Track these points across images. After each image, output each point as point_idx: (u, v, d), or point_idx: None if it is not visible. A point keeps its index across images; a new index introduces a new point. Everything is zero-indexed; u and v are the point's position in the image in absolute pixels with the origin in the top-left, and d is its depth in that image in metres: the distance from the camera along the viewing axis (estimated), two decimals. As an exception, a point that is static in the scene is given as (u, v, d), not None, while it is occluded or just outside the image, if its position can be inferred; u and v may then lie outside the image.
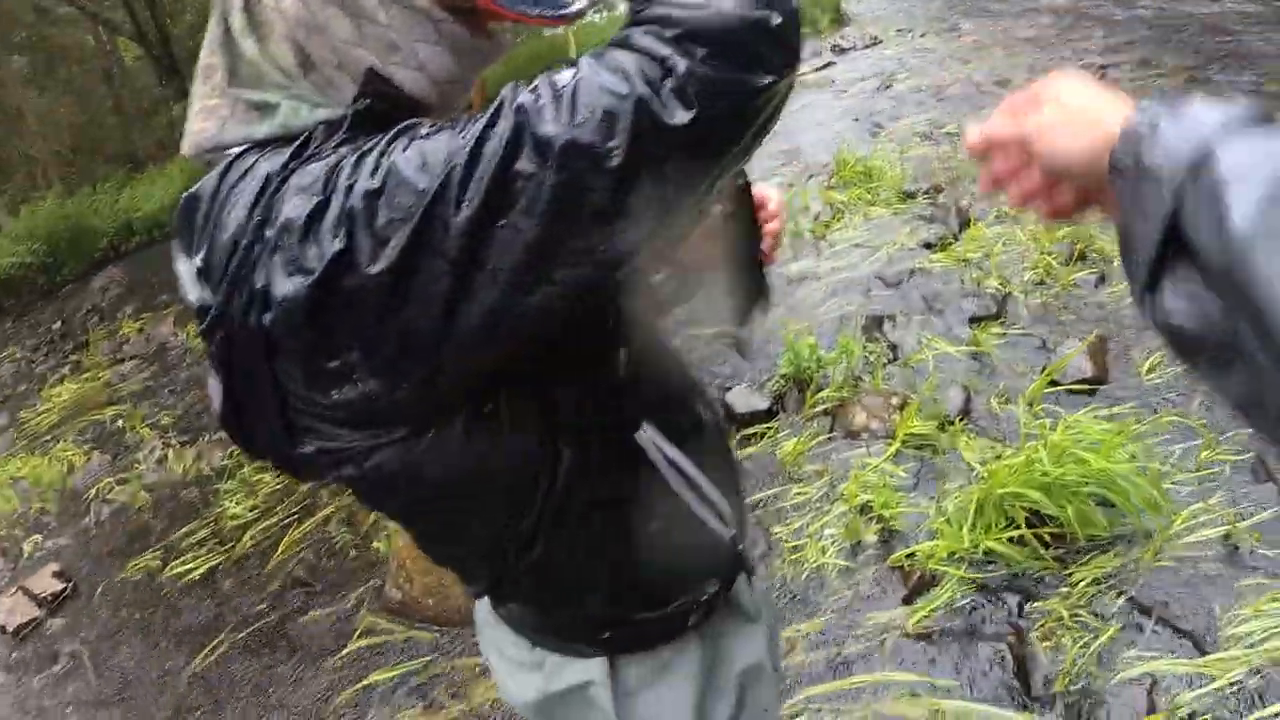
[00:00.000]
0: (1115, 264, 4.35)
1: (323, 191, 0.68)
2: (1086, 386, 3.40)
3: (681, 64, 0.65)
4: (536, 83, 0.68)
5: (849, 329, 4.05)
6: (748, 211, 1.08)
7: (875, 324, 4.11)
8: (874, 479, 3.06)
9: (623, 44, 0.68)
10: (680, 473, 0.97)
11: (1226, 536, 2.63)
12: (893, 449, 3.24)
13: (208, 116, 0.81)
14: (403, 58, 0.78)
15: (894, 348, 3.94)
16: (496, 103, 0.68)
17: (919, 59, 11.05)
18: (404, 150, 0.68)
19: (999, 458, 2.93)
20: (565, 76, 0.67)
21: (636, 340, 0.92)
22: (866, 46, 13.10)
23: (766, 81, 0.68)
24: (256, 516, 4.28)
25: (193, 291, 0.78)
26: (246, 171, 0.75)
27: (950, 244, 4.86)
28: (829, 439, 3.41)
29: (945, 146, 7.06)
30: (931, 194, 5.61)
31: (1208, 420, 3.16)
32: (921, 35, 13.05)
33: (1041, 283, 4.29)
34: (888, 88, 9.88)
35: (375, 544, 3.69)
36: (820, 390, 3.66)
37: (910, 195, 5.70)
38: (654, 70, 0.65)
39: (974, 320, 4.05)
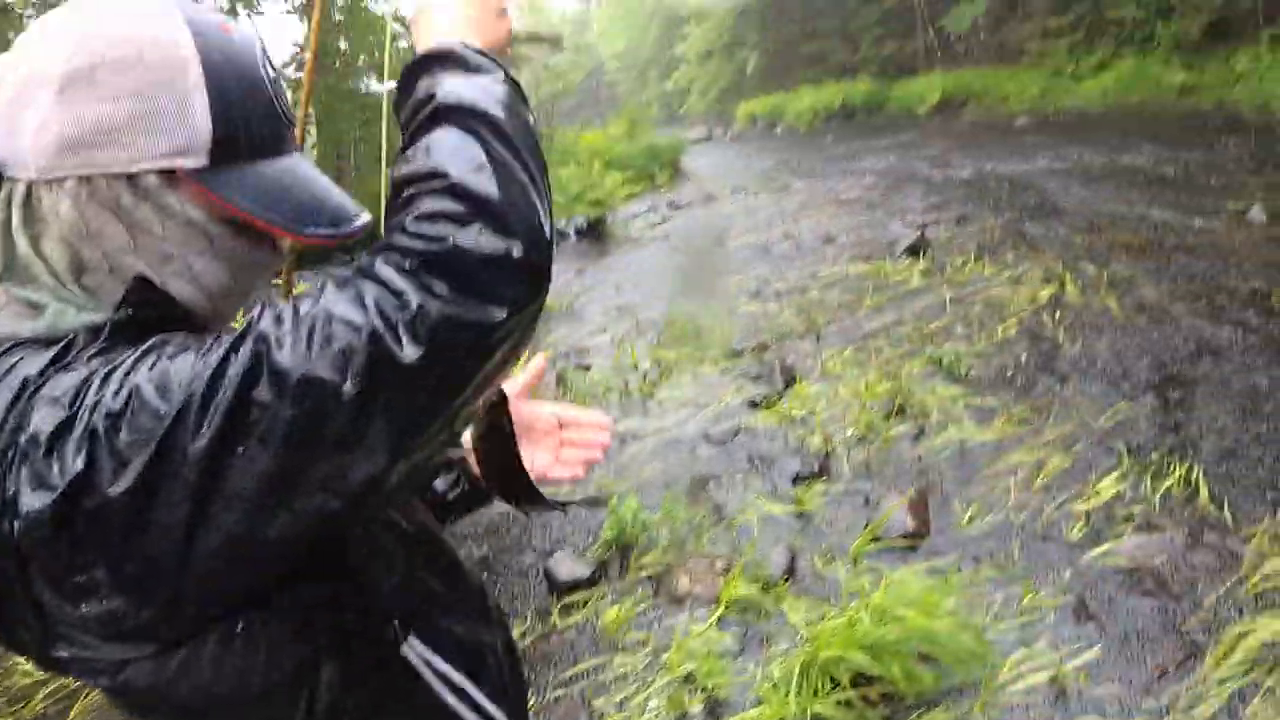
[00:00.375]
0: (933, 418, 4.62)
1: (69, 406, 0.69)
2: (909, 541, 3.52)
3: (415, 299, 0.67)
4: (281, 309, 0.69)
5: (674, 490, 4.08)
6: (499, 433, 1.10)
7: (700, 485, 4.16)
8: (698, 646, 3.01)
9: (365, 272, 0.70)
10: (453, 688, 0.96)
11: (1053, 679, 2.72)
12: (717, 614, 3.21)
13: None
14: (176, 268, 0.82)
15: (719, 509, 3.97)
16: (244, 326, 0.69)
17: (751, 217, 11.81)
18: (149, 370, 0.68)
19: (824, 618, 2.95)
20: (307, 304, 0.69)
21: (399, 557, 0.93)
22: (702, 203, 13.94)
23: (502, 317, 0.70)
24: (50, 675, 3.79)
25: None
26: (9, 370, 0.75)
27: (775, 402, 5.04)
28: (653, 605, 3.36)
29: (772, 304, 7.46)
30: (758, 351, 5.85)
31: (1026, 566, 3.32)
32: (754, 194, 14.00)
33: (863, 438, 4.48)
34: (720, 245, 10.47)
35: None
36: (644, 555, 3.63)
37: (738, 353, 5.93)
38: (390, 303, 0.67)
39: (798, 479, 4.16)
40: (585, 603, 3.44)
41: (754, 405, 5.04)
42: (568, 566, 3.61)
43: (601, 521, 3.86)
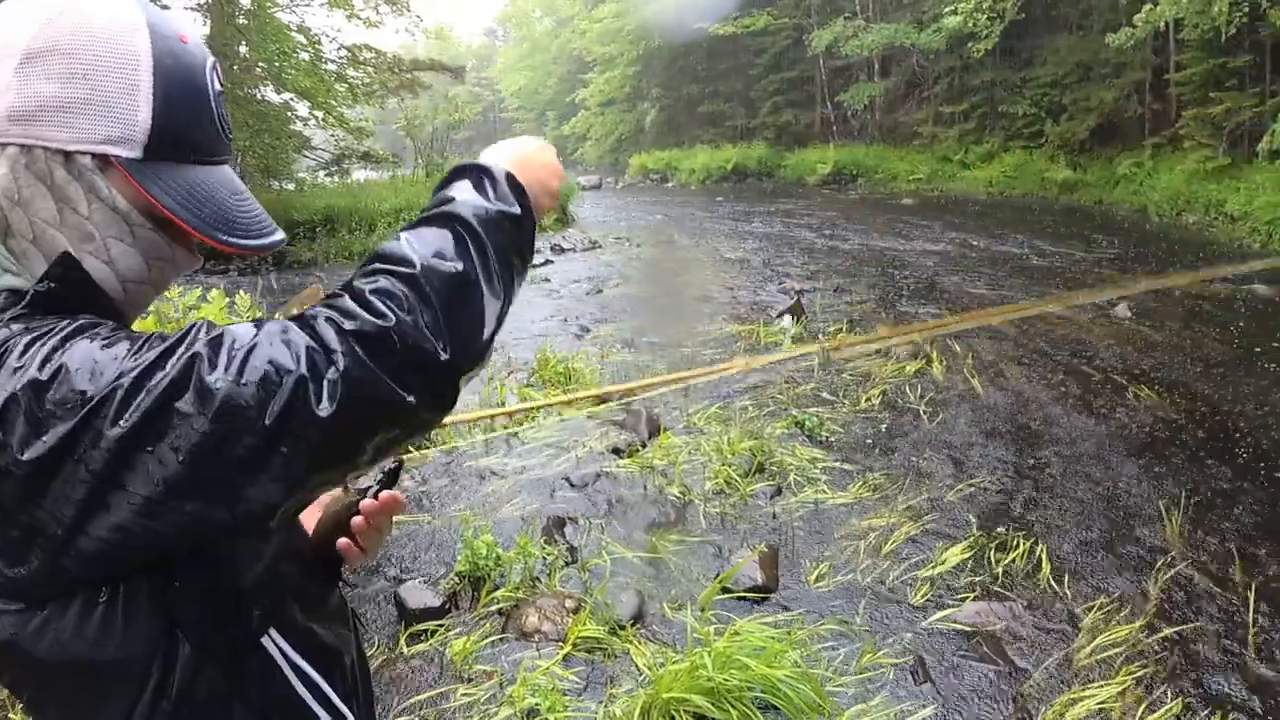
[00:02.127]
0: (791, 477, 4.82)
1: None
2: (757, 594, 3.66)
3: (342, 363, 0.75)
4: (220, 333, 0.77)
5: (530, 529, 4.12)
6: (348, 511, 1.19)
7: (557, 525, 4.21)
8: (543, 682, 3.04)
9: (306, 323, 0.78)
10: (307, 683, 1.03)
11: None
12: (564, 651, 3.25)
13: None
14: (95, 248, 0.89)
15: (573, 550, 4.03)
16: (182, 333, 0.77)
17: (633, 268, 12.05)
18: (81, 349, 0.75)
19: (667, 662, 3.04)
20: (246, 335, 0.76)
21: (264, 550, 1.00)
22: (585, 250, 14.13)
23: (412, 403, 0.78)
24: None
25: None
26: None
27: (638, 451, 5.16)
28: (501, 639, 3.37)
29: (645, 354, 7.63)
30: (625, 399, 5.97)
31: (869, 625, 3.50)
32: (638, 245, 14.30)
33: (721, 492, 4.64)
34: (599, 292, 10.63)
35: None
36: (496, 589, 3.65)
37: (605, 399, 6.03)
38: (320, 358, 0.75)
39: (654, 526, 4.27)
40: (433, 632, 3.42)
41: (617, 452, 5.14)
42: (418, 595, 3.60)
43: (455, 553, 3.87)
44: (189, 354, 0.74)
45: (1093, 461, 5.12)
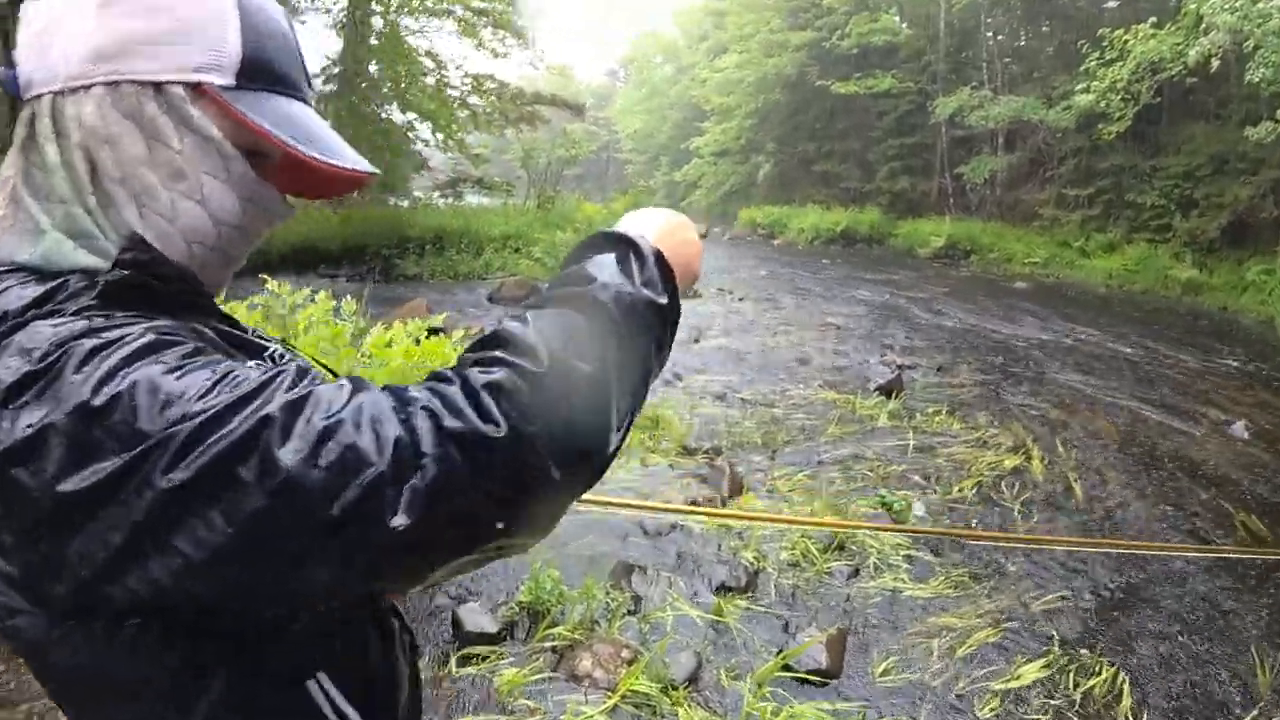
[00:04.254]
0: (871, 560, 4.70)
1: (39, 363, 0.70)
2: (819, 678, 3.55)
3: (431, 470, 0.67)
4: (306, 394, 0.70)
5: (597, 570, 4.10)
6: None
7: (625, 571, 4.18)
8: (587, 732, 3.02)
9: (401, 405, 0.70)
10: None
11: None
12: (611, 702, 3.21)
13: None
14: (187, 187, 0.85)
15: (638, 599, 4.00)
16: (262, 380, 0.70)
17: (731, 321, 12.03)
18: (146, 378, 0.69)
19: (718, 735, 2.97)
20: (332, 403, 0.69)
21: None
22: (686, 298, 14.12)
23: (500, 528, 0.71)
24: None
25: None
26: None
27: (717, 508, 5.11)
28: (551, 678, 3.35)
29: (735, 410, 7.58)
30: (711, 454, 5.93)
31: (932, 733, 3.36)
32: (740, 299, 14.27)
33: (796, 564, 4.55)
34: (696, 341, 10.63)
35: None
36: (554, 626, 3.64)
37: (690, 451, 6.00)
38: (408, 457, 0.67)
39: (722, 589, 4.21)
40: (485, 658, 3.44)
41: (695, 504, 5.10)
42: (475, 618, 3.63)
43: (520, 583, 3.88)
44: (261, 415, 0.66)
45: (1189, 593, 4.86)
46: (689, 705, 3.26)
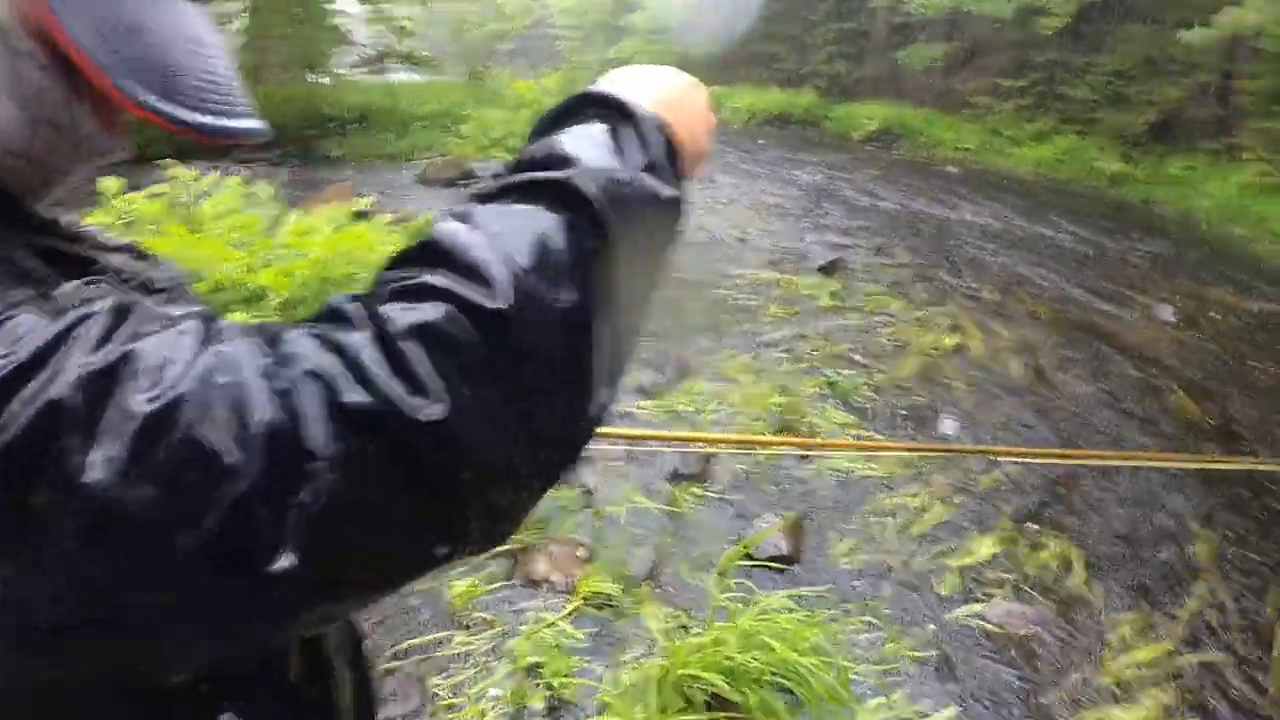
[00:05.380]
0: (821, 441, 4.57)
1: None
2: (779, 564, 3.44)
3: (327, 478, 0.43)
4: (127, 350, 0.45)
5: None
6: None
7: (574, 463, 4.00)
8: (547, 637, 2.84)
9: (276, 367, 0.45)
10: None
11: None
12: (572, 606, 3.05)
13: None
14: None
15: (589, 493, 3.81)
16: (48, 340, 0.45)
17: (666, 204, 11.67)
18: None
19: (683, 628, 2.84)
20: (171, 366, 0.44)
21: None
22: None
23: (438, 553, 0.49)
24: None
25: None
26: None
27: (664, 393, 4.91)
28: (506, 585, 3.17)
29: (677, 292, 7.34)
30: (656, 339, 5.71)
31: (893, 612, 3.28)
32: (673, 182, 13.89)
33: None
34: (630, 225, 10.27)
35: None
36: (504, 527, 3.46)
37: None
38: (289, 459, 0.43)
39: (675, 476, 4.04)
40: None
41: (641, 391, 4.90)
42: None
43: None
44: (45, 401, 0.42)
45: (1131, 470, 4.85)
46: (652, 602, 3.12)
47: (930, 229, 11.09)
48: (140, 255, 0.75)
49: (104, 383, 0.43)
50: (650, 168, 0.56)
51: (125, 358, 0.44)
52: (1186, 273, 9.42)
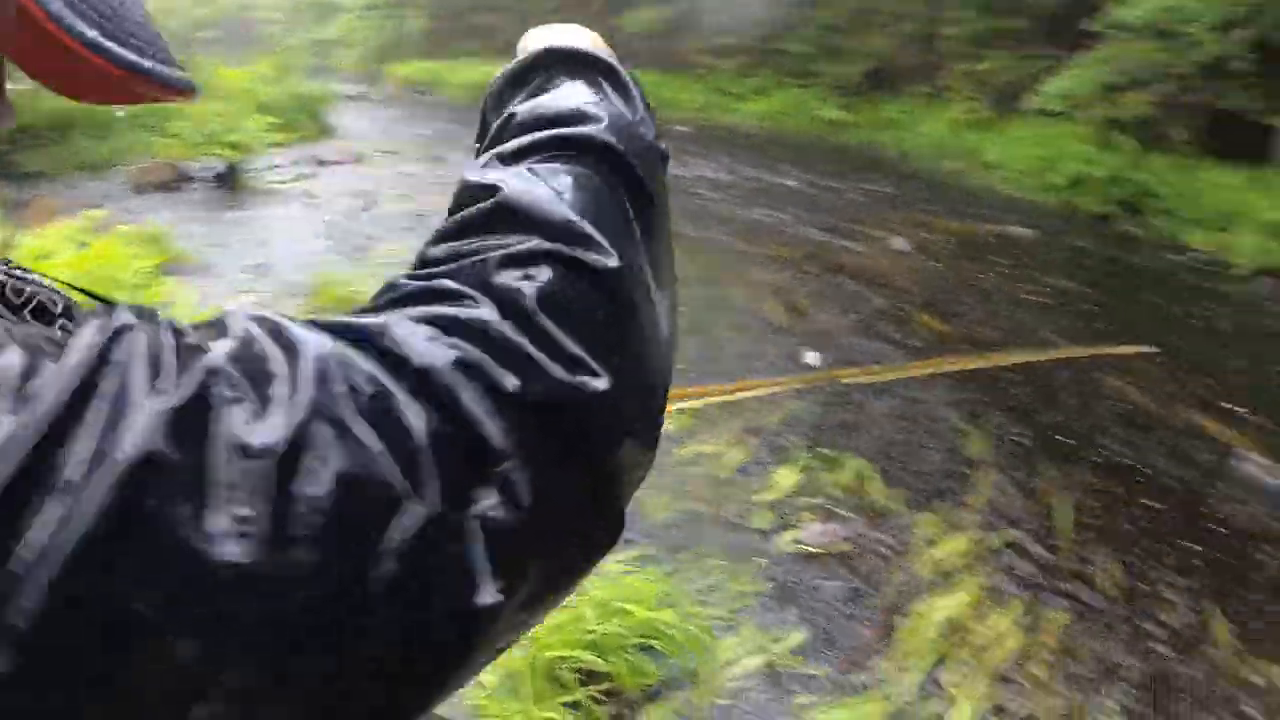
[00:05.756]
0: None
1: None
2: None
3: (524, 486, 0.37)
4: (215, 373, 0.34)
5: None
6: None
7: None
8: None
9: (400, 366, 0.37)
10: None
11: (768, 664, 2.81)
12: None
13: None
14: None
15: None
16: (86, 364, 0.32)
17: (403, 184, 11.27)
18: None
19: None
20: (276, 392, 0.34)
21: None
22: (350, 163, 13.11)
23: (604, 543, 0.45)
24: None
25: None
26: None
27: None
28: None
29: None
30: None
31: (723, 554, 3.37)
32: (407, 161, 13.42)
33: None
34: (369, 209, 9.86)
35: None
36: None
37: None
38: (472, 474, 0.36)
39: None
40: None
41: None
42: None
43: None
44: (124, 464, 0.29)
45: (894, 383, 5.24)
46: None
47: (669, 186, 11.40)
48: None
49: (197, 419, 0.31)
50: (644, 121, 0.55)
51: (211, 378, 0.33)
52: (911, 206, 10.25)
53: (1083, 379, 5.38)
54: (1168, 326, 6.50)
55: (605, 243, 0.43)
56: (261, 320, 0.38)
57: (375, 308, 0.42)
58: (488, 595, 0.35)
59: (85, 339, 0.33)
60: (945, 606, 3.14)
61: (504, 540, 0.36)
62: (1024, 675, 2.86)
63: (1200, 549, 3.62)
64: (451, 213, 0.47)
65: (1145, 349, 5.81)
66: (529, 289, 0.40)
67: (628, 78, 0.57)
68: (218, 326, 0.38)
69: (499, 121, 0.54)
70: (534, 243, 0.42)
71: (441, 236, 0.46)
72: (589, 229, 0.43)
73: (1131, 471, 4.25)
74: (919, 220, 9.45)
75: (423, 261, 0.45)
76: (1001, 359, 5.38)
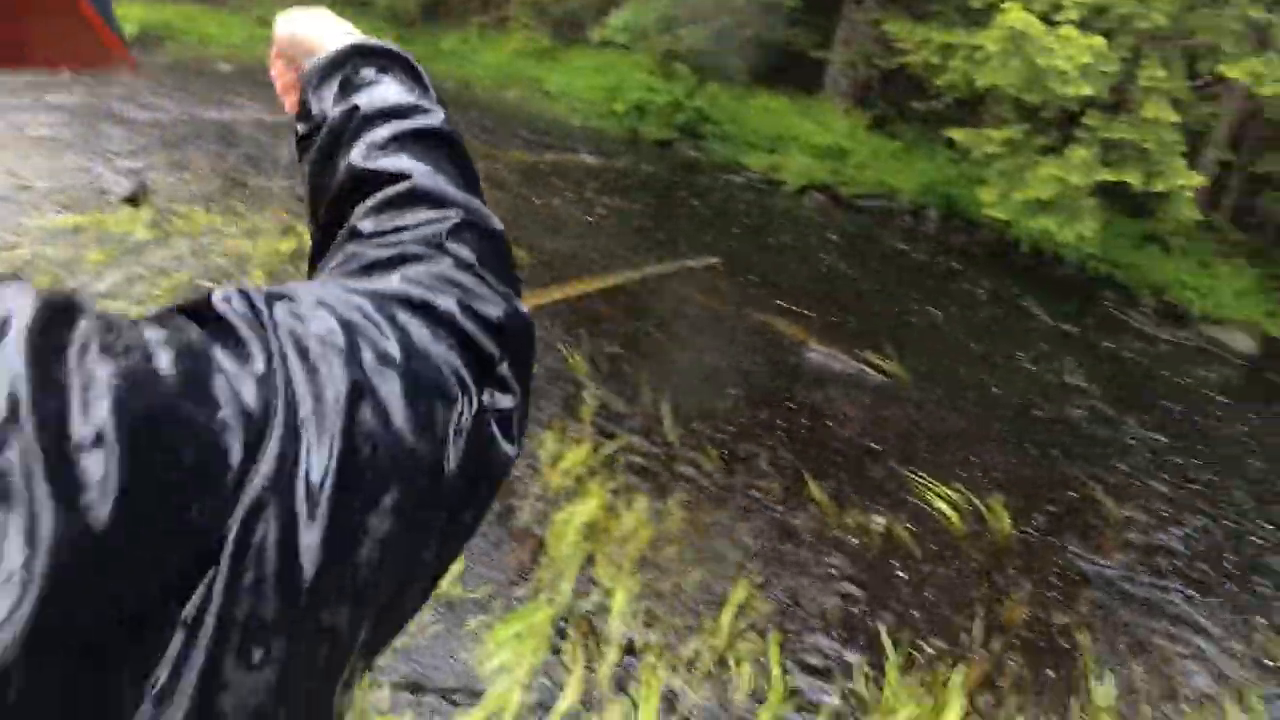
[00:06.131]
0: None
1: None
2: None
3: (515, 382, 0.57)
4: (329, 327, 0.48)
5: None
6: None
7: None
8: None
9: (422, 308, 0.53)
10: None
11: (435, 597, 2.86)
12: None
13: None
14: None
15: None
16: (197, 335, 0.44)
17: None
18: None
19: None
20: (383, 337, 0.50)
21: None
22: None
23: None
24: None
25: None
26: None
27: None
28: None
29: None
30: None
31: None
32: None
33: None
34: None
35: None
36: None
37: None
38: (487, 370, 0.55)
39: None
40: None
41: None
42: None
43: None
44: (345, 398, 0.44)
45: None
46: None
47: (221, 134, 10.55)
48: None
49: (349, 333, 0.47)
50: (443, 102, 0.70)
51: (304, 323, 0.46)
52: (475, 136, 10.33)
53: (662, 290, 5.85)
54: (731, 239, 7.24)
55: (489, 210, 0.61)
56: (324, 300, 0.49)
57: (364, 269, 0.55)
58: (510, 450, 0.54)
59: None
60: (582, 512, 3.39)
61: (506, 415, 0.54)
62: (662, 558, 3.14)
63: (787, 426, 4.15)
64: (345, 190, 0.61)
65: (713, 261, 6.43)
66: (469, 250, 0.57)
67: (419, 67, 0.71)
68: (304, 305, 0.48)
69: (344, 109, 0.65)
70: (456, 217, 0.58)
71: (365, 212, 0.59)
72: (477, 202, 0.61)
73: (719, 370, 4.73)
74: (486, 152, 9.59)
75: (352, 231, 0.58)
76: (589, 284, 5.69)
